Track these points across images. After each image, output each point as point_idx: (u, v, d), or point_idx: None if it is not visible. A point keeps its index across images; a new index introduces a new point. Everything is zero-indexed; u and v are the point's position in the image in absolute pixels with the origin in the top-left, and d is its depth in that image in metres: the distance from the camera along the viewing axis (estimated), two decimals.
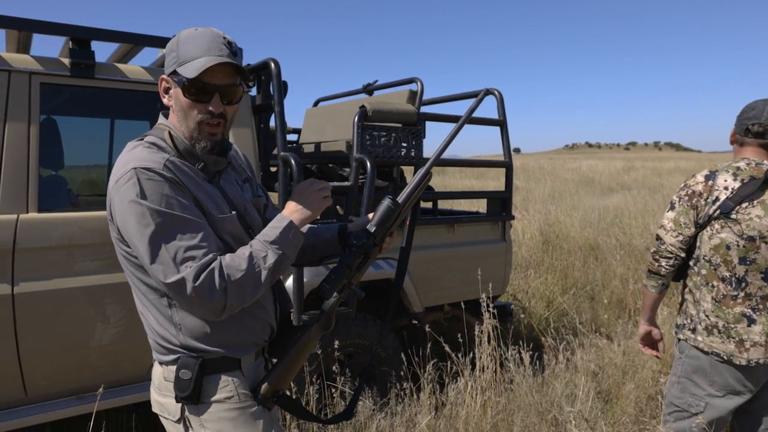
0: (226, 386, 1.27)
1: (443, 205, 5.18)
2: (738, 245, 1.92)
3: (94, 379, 2.25)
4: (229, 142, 1.35)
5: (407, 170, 3.51)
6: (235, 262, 1.16)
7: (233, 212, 1.29)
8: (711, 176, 1.99)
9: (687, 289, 2.09)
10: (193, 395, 1.23)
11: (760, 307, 1.94)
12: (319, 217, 3.96)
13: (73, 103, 2.45)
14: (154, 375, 1.34)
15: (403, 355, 2.99)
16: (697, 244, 2.01)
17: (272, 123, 2.74)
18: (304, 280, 2.48)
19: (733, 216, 1.91)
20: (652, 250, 2.09)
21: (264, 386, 1.31)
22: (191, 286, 1.11)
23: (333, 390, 2.70)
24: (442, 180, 16.39)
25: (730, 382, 1.97)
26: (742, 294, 1.94)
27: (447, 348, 2.87)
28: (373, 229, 1.33)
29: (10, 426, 2.09)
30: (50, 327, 2.14)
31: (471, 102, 1.59)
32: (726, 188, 1.94)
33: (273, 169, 3.12)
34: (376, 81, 3.99)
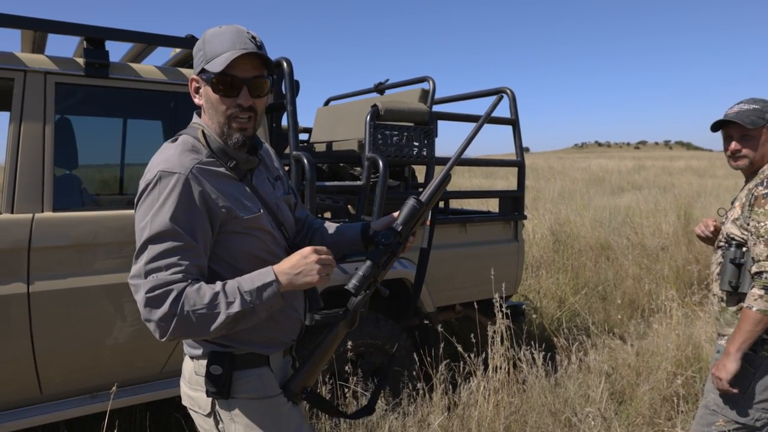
0: (256, 382, 1.29)
1: (454, 204, 5.16)
2: None
3: (108, 378, 2.26)
4: (260, 139, 1.38)
5: (419, 170, 3.49)
6: (198, 295, 1.13)
7: (262, 211, 1.30)
8: None
9: None
10: (224, 390, 1.25)
11: None
12: (330, 215, 3.94)
13: (87, 103, 2.46)
14: (185, 369, 1.36)
15: (415, 355, 2.97)
16: None
17: (284, 122, 2.74)
18: None
19: None
20: None
21: (293, 382, 1.33)
22: (143, 295, 1.11)
23: (345, 389, 2.70)
24: (452, 179, 16.37)
25: None
26: None
27: (459, 348, 2.85)
28: (399, 228, 1.36)
29: (26, 424, 2.10)
30: (65, 326, 2.15)
31: (484, 101, 1.66)
32: None
33: (285, 168, 3.12)
34: (388, 80, 3.98)
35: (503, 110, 3.52)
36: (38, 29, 2.19)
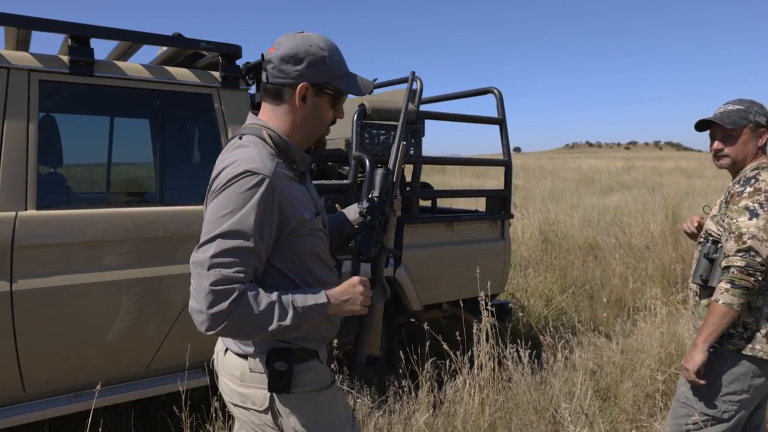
0: (312, 374, 1.34)
1: (443, 203, 5.18)
2: None
3: (92, 377, 2.26)
4: None
5: (406, 168, 3.51)
6: (255, 301, 1.16)
7: (319, 211, 1.37)
8: None
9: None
10: (287, 384, 1.28)
11: None
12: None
13: (72, 101, 2.46)
14: (231, 367, 1.35)
15: (401, 353, 2.99)
16: None
17: None
18: None
19: None
20: (739, 263, 1.83)
21: (358, 354, 1.41)
22: (206, 285, 1.13)
23: None
24: (441, 179, 16.40)
25: (763, 388, 1.96)
26: None
27: (445, 346, 2.87)
28: (376, 193, 1.45)
29: (9, 423, 2.10)
30: (49, 324, 2.14)
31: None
32: None
33: None
34: (376, 79, 3.98)
35: (491, 110, 3.55)
36: (22, 26, 2.18)
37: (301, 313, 1.21)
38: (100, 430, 2.32)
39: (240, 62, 2.72)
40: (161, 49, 2.88)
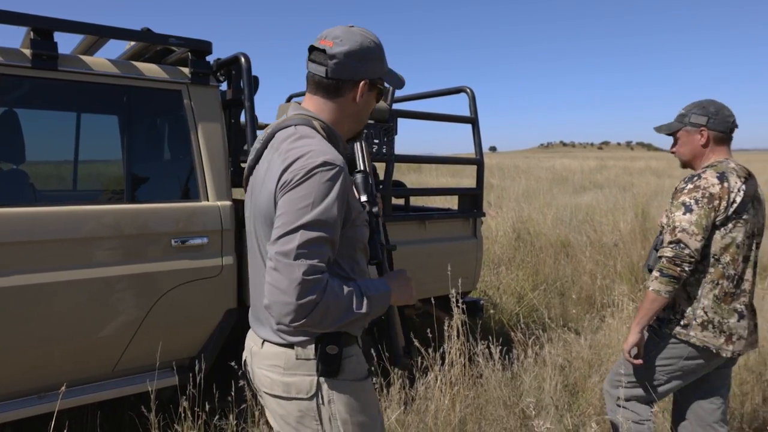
0: (354, 363, 1.35)
1: (416, 202, 5.21)
2: (744, 244, 2.02)
3: (57, 378, 2.22)
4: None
5: (379, 167, 3.52)
6: (338, 290, 1.19)
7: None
8: (723, 178, 2.00)
9: (682, 289, 2.09)
10: (337, 369, 1.30)
11: (748, 302, 2.06)
12: None
13: (35, 96, 2.40)
14: (273, 357, 1.34)
15: (373, 351, 3.00)
16: (707, 243, 2.02)
17: (243, 118, 2.72)
18: None
19: (744, 216, 2.01)
20: (668, 254, 1.98)
21: (395, 347, 1.48)
22: (298, 275, 1.13)
23: None
24: (418, 177, 16.47)
25: (698, 369, 2.12)
26: (739, 291, 2.04)
27: (416, 343, 2.89)
28: (364, 198, 1.45)
29: None
30: (10, 324, 2.09)
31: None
32: (739, 190, 2.00)
33: (243, 165, 3.10)
34: None
35: (464, 109, 3.58)
36: None
37: (373, 301, 1.25)
38: (65, 431, 2.28)
39: (210, 58, 2.70)
40: (129, 44, 2.82)
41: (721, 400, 2.21)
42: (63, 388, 2.09)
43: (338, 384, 1.32)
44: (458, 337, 2.88)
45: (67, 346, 2.23)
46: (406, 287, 1.37)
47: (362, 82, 1.31)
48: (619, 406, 2.22)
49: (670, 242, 1.99)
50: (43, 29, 2.20)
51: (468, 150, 3.67)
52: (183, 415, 2.31)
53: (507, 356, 3.30)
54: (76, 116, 2.97)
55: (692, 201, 1.99)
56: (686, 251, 1.96)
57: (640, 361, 2.12)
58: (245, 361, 1.46)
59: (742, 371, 3.20)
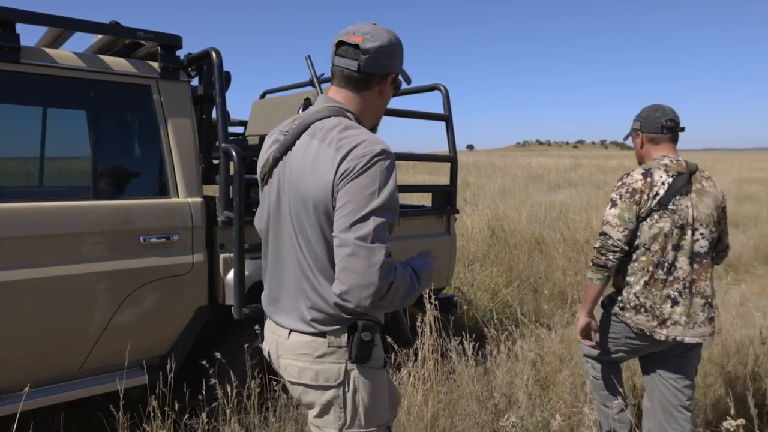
0: (378, 350, 1.41)
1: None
2: (672, 233, 2.17)
3: (20, 378, 2.16)
4: None
5: None
6: (401, 271, 1.27)
7: None
8: (647, 174, 2.21)
9: (621, 275, 2.30)
10: (368, 355, 1.35)
11: (686, 291, 2.18)
12: None
13: None
14: (302, 347, 1.37)
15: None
16: (637, 234, 2.21)
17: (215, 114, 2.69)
18: (246, 273, 2.45)
19: (671, 207, 2.17)
20: (597, 245, 2.23)
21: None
22: (380, 258, 1.19)
23: (275, 383, 2.69)
24: None
25: (641, 348, 2.32)
26: (671, 278, 2.19)
27: (389, 339, 2.90)
28: None
29: None
30: None
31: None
32: (663, 183, 2.18)
33: (216, 161, 3.06)
34: (324, 74, 3.97)
35: (437, 106, 3.60)
36: None
37: (422, 279, 1.33)
38: None
39: (181, 53, 2.66)
40: (96, 38, 2.77)
41: (683, 384, 2.30)
42: (26, 389, 2.05)
43: (366, 371, 1.37)
44: (431, 333, 2.90)
45: (30, 346, 2.18)
46: (435, 267, 1.45)
47: (390, 76, 1.40)
48: (587, 362, 2.59)
49: (600, 234, 2.23)
50: (4, 20, 2.14)
51: (445, 148, 3.69)
52: (152, 414, 2.28)
53: (480, 352, 3.33)
54: (42, 111, 2.90)
55: (617, 196, 2.21)
56: (610, 242, 2.19)
57: (591, 342, 2.39)
58: (269, 352, 1.49)
59: (705, 363, 3.28)
